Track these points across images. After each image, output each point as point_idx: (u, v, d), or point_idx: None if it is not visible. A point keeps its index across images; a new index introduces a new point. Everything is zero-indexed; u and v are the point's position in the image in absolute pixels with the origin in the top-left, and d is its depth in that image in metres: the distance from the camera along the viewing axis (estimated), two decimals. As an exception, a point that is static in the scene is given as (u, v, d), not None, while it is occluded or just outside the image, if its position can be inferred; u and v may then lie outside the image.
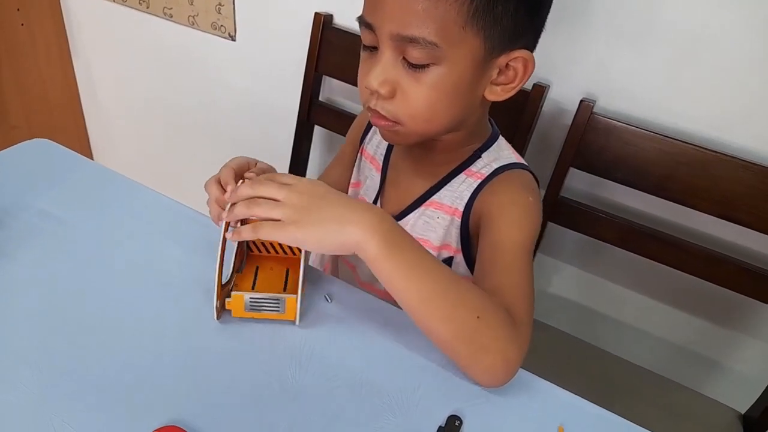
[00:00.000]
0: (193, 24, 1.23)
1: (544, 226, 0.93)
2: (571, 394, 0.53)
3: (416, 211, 0.69)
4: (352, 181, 0.80)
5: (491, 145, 0.67)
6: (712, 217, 0.82)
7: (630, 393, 0.90)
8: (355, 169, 0.79)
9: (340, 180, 0.81)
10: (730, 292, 0.85)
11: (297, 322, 0.56)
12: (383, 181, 0.74)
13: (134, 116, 1.53)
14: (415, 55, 0.54)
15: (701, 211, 0.82)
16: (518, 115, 0.88)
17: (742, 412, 0.90)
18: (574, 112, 0.85)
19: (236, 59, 1.23)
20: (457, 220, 0.66)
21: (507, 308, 0.52)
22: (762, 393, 0.88)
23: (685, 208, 0.83)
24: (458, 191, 0.66)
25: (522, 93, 0.87)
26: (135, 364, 0.50)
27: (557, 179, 0.90)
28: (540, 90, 0.86)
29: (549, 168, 0.91)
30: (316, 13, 1.02)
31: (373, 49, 0.57)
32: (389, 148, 0.74)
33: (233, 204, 0.52)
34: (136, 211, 0.68)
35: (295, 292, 0.54)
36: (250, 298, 0.55)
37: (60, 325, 0.53)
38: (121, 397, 0.48)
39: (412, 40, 0.53)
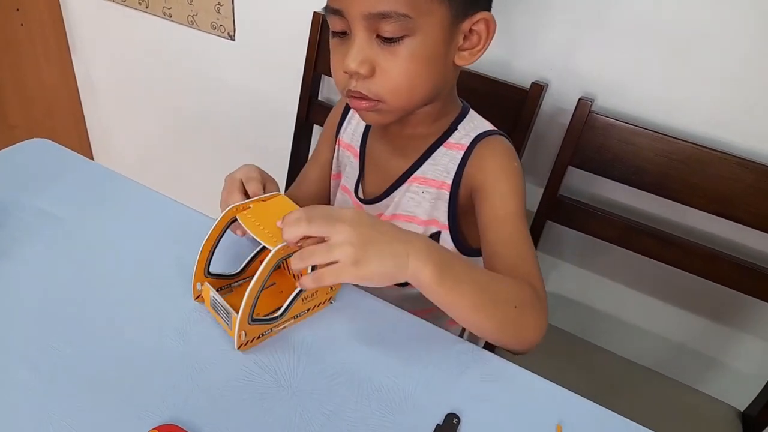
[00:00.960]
0: (193, 24, 1.23)
1: (543, 224, 0.94)
2: (569, 392, 0.53)
3: (400, 189, 0.70)
4: (333, 173, 0.81)
5: (464, 117, 0.70)
6: (709, 214, 0.82)
7: (629, 391, 0.91)
8: (334, 161, 0.80)
9: (318, 179, 0.82)
10: (728, 290, 0.85)
11: (235, 346, 0.53)
12: (362, 165, 0.75)
13: (133, 116, 1.53)
14: (389, 29, 0.56)
15: (699, 209, 0.82)
16: (517, 114, 0.89)
17: (741, 410, 0.90)
18: (573, 111, 0.85)
19: (235, 59, 1.23)
20: (445, 193, 0.68)
21: (527, 282, 0.57)
22: (761, 390, 0.88)
23: (683, 205, 0.83)
24: (442, 164, 0.68)
25: (520, 92, 0.88)
26: (133, 363, 0.51)
27: (556, 178, 0.90)
28: (538, 89, 0.86)
29: (547, 166, 0.91)
30: (315, 13, 1.02)
31: (343, 34, 0.59)
32: (365, 134, 0.75)
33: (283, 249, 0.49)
34: (135, 210, 0.68)
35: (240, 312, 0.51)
36: (213, 296, 0.55)
37: (59, 323, 0.53)
38: (119, 395, 0.48)
39: (384, 16, 0.55)
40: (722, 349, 0.99)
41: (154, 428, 0.45)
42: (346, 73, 0.59)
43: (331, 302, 0.59)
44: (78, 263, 0.60)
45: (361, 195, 0.75)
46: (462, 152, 0.67)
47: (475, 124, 0.70)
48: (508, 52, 0.91)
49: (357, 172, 0.75)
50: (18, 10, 1.33)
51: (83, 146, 1.66)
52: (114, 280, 0.59)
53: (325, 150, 0.82)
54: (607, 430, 0.50)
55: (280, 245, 0.49)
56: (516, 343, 0.55)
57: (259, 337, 0.54)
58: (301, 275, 0.50)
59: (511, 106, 0.89)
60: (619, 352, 0.97)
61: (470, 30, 0.60)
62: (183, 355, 0.52)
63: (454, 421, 0.49)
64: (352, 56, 0.57)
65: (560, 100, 0.90)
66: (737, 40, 0.76)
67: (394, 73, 0.58)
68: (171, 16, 1.25)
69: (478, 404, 0.51)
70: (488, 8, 0.61)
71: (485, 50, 0.62)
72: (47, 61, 1.45)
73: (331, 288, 0.56)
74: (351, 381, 0.51)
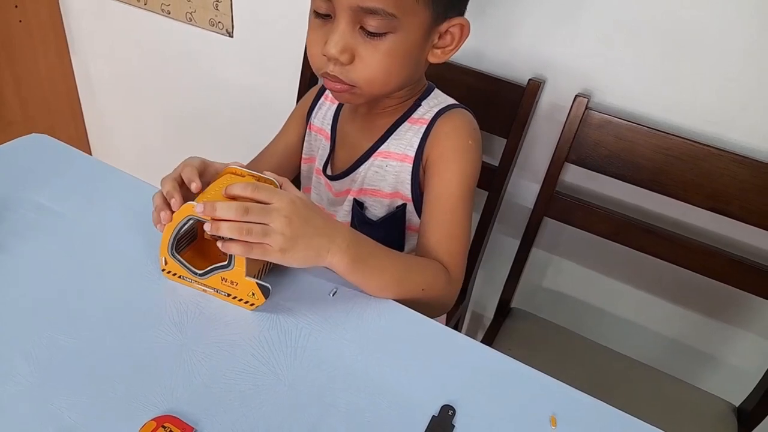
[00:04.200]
0: (191, 20, 1.23)
1: (540, 220, 0.94)
2: (563, 384, 0.53)
3: (365, 163, 0.74)
4: (304, 157, 0.84)
5: (429, 95, 0.74)
6: (705, 210, 0.83)
7: (625, 386, 0.91)
8: (305, 145, 0.83)
9: (282, 155, 0.84)
10: (723, 286, 0.85)
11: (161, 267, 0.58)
12: (333, 145, 0.79)
13: (132, 112, 1.53)
14: (374, 24, 0.59)
15: (694, 205, 0.83)
16: (514, 111, 0.89)
17: (737, 405, 0.91)
18: (569, 107, 0.86)
19: (234, 55, 1.23)
20: (408, 166, 0.71)
21: (444, 262, 0.66)
22: (756, 386, 0.89)
23: (679, 202, 0.84)
24: (405, 138, 0.72)
25: (517, 89, 0.88)
26: (132, 356, 0.51)
27: (552, 174, 0.90)
28: (535, 85, 0.87)
29: (544, 163, 0.92)
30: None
31: (326, 16, 0.61)
32: (335, 117, 0.79)
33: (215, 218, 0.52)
34: (133, 205, 0.69)
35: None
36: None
37: (57, 317, 0.54)
38: (118, 387, 0.48)
39: (372, 11, 0.58)
40: (717, 344, 1.00)
41: (153, 419, 0.45)
42: (324, 56, 0.61)
43: (251, 307, 0.57)
44: (77, 257, 0.61)
45: (329, 172, 0.79)
46: (425, 126, 0.71)
47: (438, 100, 0.74)
48: (505, 49, 0.92)
49: (328, 152, 0.79)
50: (17, 6, 1.33)
51: (81, 142, 1.66)
52: (112, 274, 0.59)
53: (291, 130, 0.85)
54: (601, 422, 0.51)
55: (198, 206, 0.52)
56: (425, 314, 0.60)
57: (179, 277, 0.58)
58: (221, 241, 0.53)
59: (508, 103, 0.89)
60: (615, 348, 0.97)
61: (446, 31, 0.65)
62: (181, 347, 0.52)
63: (449, 413, 0.49)
64: (334, 42, 0.60)
65: (557, 96, 0.91)
66: (734, 37, 0.76)
67: (373, 64, 0.61)
68: (169, 13, 1.25)
69: (473, 396, 0.51)
70: (463, 12, 0.66)
71: (457, 51, 0.67)
72: (46, 57, 1.45)
73: (253, 295, 0.56)
74: (347, 373, 0.52)
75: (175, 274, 0.59)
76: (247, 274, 0.55)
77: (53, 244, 0.62)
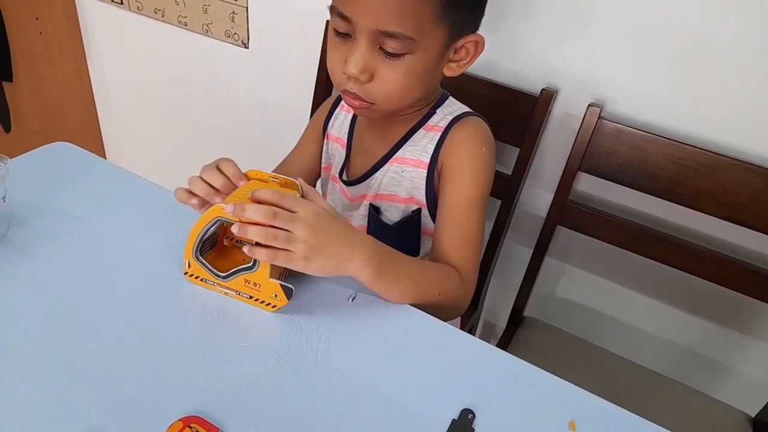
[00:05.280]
0: (207, 32, 1.25)
1: (552, 229, 0.95)
2: (583, 390, 0.54)
3: (382, 169, 0.76)
4: (322, 165, 0.86)
5: (443, 102, 0.75)
6: (719, 219, 0.83)
7: (638, 395, 0.91)
8: (323, 155, 0.85)
9: (305, 168, 0.85)
10: (737, 295, 0.85)
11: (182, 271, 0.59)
12: (349, 152, 0.81)
13: (148, 122, 1.55)
14: (393, 46, 0.61)
15: (708, 214, 0.83)
16: (527, 120, 0.90)
17: (753, 415, 0.90)
18: (582, 117, 0.87)
19: (249, 66, 1.25)
20: (423, 172, 0.73)
21: (458, 267, 0.67)
22: (771, 396, 0.88)
23: (693, 211, 0.84)
24: (420, 145, 0.73)
25: (530, 99, 0.90)
26: (155, 358, 0.52)
27: (565, 183, 0.91)
28: (548, 95, 0.88)
29: (557, 172, 0.92)
30: (327, 21, 1.04)
31: (346, 35, 0.62)
32: (351, 125, 0.81)
33: (243, 221, 0.54)
34: (154, 210, 0.70)
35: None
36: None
37: (83, 319, 0.55)
38: (144, 389, 0.49)
39: (391, 35, 0.59)
40: (733, 354, 1.00)
41: (179, 419, 0.46)
42: (344, 74, 0.63)
43: (273, 309, 0.58)
44: (101, 261, 0.62)
45: (345, 177, 0.80)
46: (439, 133, 0.72)
47: (452, 108, 0.75)
48: (519, 60, 0.93)
49: (344, 159, 0.81)
50: (37, 18, 1.36)
51: (97, 151, 1.67)
52: (135, 277, 0.60)
53: (309, 141, 0.86)
54: (620, 428, 0.51)
55: (228, 207, 0.54)
56: (439, 317, 0.61)
57: (202, 280, 0.59)
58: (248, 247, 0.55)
59: (522, 113, 0.90)
60: (629, 357, 0.97)
61: (462, 46, 0.66)
62: (204, 350, 0.53)
63: (469, 417, 0.50)
64: (354, 62, 0.62)
65: (570, 106, 0.92)
66: (747, 47, 0.77)
67: (391, 83, 0.63)
68: (186, 25, 1.27)
69: (492, 400, 0.52)
70: (477, 28, 0.68)
71: (471, 65, 0.69)
72: (63, 67, 1.48)
73: (275, 297, 0.57)
74: (367, 377, 0.52)
75: (197, 277, 0.60)
76: (270, 276, 0.56)
77: (78, 248, 0.63)
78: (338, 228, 0.57)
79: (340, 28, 0.62)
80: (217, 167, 0.61)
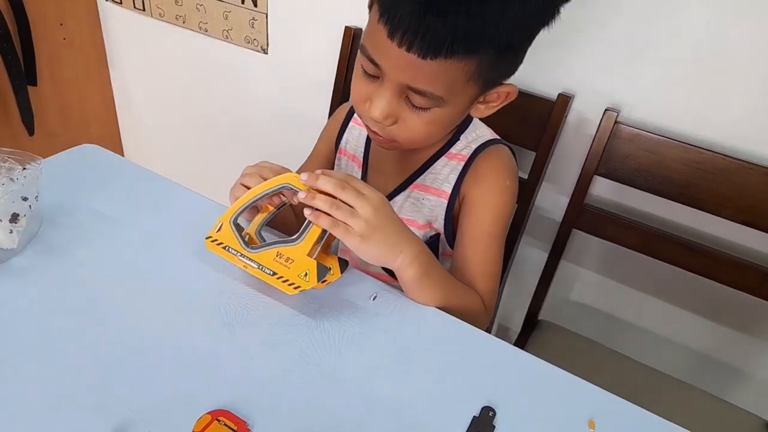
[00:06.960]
0: (227, 38, 1.28)
1: (569, 232, 0.95)
2: (602, 389, 0.55)
3: (402, 194, 0.75)
4: None
5: (467, 126, 0.73)
6: (736, 224, 0.83)
7: (653, 399, 0.90)
8: (335, 170, 0.83)
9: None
10: (753, 299, 0.85)
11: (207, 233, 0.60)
12: (365, 171, 0.79)
13: (168, 127, 1.58)
14: (421, 101, 0.59)
15: (725, 218, 0.84)
16: (543, 125, 0.91)
17: (768, 420, 0.90)
18: (598, 122, 0.88)
19: (268, 72, 1.27)
20: (444, 201, 0.72)
21: (481, 294, 0.68)
22: (788, 401, 0.88)
23: (709, 214, 0.84)
24: (442, 174, 0.72)
25: (547, 103, 0.90)
26: (184, 354, 0.54)
27: (581, 187, 0.92)
28: (564, 100, 0.89)
29: (573, 176, 0.93)
30: (346, 27, 1.06)
31: (374, 76, 0.60)
32: (367, 142, 0.79)
33: (311, 190, 0.56)
34: (181, 211, 0.72)
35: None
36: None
37: (115, 316, 0.57)
38: (174, 383, 0.51)
39: (420, 92, 0.58)
40: (748, 358, 0.99)
41: (207, 413, 0.48)
42: (367, 114, 0.62)
43: (295, 290, 0.57)
44: (130, 260, 0.64)
45: None
46: (462, 163, 0.71)
47: (477, 133, 0.73)
48: (535, 65, 0.93)
49: (360, 178, 0.79)
50: (62, 24, 1.39)
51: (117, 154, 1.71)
52: (164, 275, 0.62)
53: (323, 154, 0.85)
54: (640, 427, 0.52)
55: (303, 175, 0.56)
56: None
57: (224, 248, 0.59)
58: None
59: (538, 117, 0.91)
60: (644, 361, 0.97)
61: (494, 91, 0.63)
62: (231, 346, 0.55)
63: (489, 414, 0.51)
64: (380, 108, 0.59)
65: (586, 110, 0.92)
66: (763, 51, 0.77)
67: (414, 131, 0.62)
68: (206, 31, 1.30)
69: (512, 398, 0.53)
70: (511, 75, 0.63)
71: (499, 108, 0.66)
72: (86, 72, 1.51)
73: (305, 276, 0.56)
74: (389, 374, 0.54)
75: (219, 243, 0.59)
76: (308, 254, 0.57)
77: (109, 247, 0.65)
78: (397, 220, 0.59)
79: (369, 70, 0.60)
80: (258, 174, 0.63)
